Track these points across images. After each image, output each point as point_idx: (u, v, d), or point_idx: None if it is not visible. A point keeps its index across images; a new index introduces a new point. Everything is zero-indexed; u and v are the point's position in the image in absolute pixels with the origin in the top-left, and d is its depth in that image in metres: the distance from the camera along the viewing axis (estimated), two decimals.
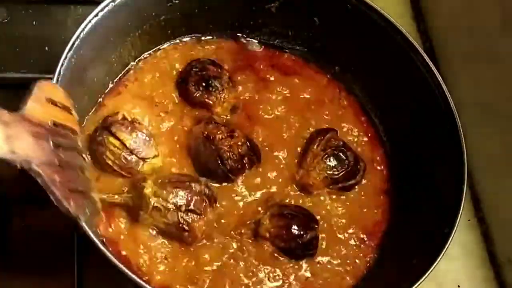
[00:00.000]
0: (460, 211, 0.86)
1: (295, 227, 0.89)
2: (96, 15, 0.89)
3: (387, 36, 0.99)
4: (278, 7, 1.05)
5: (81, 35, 0.87)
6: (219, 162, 0.92)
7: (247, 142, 0.95)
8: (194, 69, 1.00)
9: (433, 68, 0.95)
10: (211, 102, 0.99)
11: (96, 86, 0.97)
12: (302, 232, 0.89)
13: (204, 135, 0.93)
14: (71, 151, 0.75)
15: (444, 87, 0.94)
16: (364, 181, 0.99)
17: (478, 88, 1.14)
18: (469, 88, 1.14)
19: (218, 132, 0.93)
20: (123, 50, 0.99)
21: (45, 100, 0.73)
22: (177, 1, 1.00)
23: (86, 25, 0.88)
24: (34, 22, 1.14)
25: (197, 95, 0.99)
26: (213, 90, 0.99)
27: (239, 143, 0.94)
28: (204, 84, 0.99)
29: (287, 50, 1.09)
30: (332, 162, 0.96)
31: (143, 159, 0.90)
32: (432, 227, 0.88)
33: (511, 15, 1.03)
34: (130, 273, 0.76)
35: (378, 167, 1.03)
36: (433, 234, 0.87)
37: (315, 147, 0.97)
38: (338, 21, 1.03)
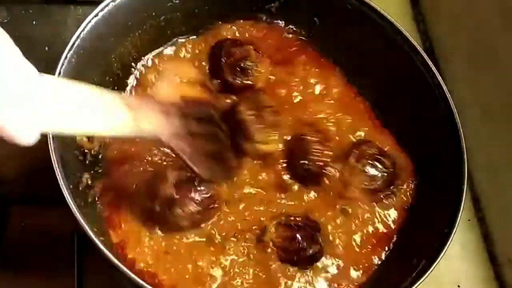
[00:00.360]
0: (460, 211, 0.86)
1: (299, 239, 0.88)
2: (96, 15, 0.89)
3: (387, 36, 0.99)
4: (278, 7, 1.05)
5: (81, 35, 0.87)
6: (306, 162, 0.93)
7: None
8: (223, 58, 0.99)
9: (433, 68, 0.95)
10: (250, 82, 0.99)
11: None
12: (305, 246, 0.88)
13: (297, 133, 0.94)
14: (200, 121, 0.84)
15: (444, 87, 0.94)
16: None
17: (478, 88, 1.14)
18: (469, 88, 1.14)
19: (311, 135, 0.94)
20: (123, 50, 0.99)
21: (173, 78, 0.85)
22: (177, 1, 1.00)
23: (86, 25, 0.88)
24: (34, 22, 1.14)
25: (238, 81, 0.99)
26: (249, 69, 0.99)
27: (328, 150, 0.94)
28: (239, 68, 0.99)
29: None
30: (370, 171, 0.94)
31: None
32: (432, 227, 0.88)
33: (511, 15, 1.03)
34: (130, 273, 0.76)
35: None
36: (433, 234, 0.87)
37: (352, 160, 0.94)
38: (338, 21, 1.03)
